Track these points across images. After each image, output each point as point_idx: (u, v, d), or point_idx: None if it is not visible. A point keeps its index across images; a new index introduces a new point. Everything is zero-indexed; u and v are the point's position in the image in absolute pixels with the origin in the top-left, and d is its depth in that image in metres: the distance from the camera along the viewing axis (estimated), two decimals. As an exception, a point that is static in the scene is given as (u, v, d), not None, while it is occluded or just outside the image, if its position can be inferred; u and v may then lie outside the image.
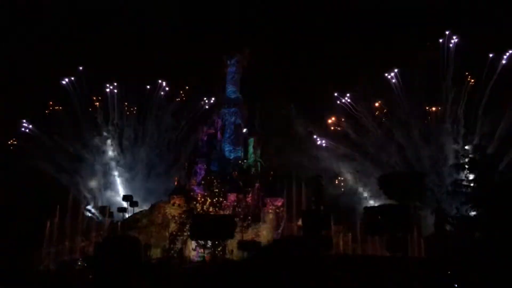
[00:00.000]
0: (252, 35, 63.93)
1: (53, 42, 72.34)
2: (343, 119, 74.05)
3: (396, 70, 69.17)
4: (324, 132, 75.35)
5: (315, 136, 72.00)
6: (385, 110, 72.05)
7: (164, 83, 74.14)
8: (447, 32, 65.50)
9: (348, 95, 73.19)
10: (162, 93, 74.30)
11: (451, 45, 65.36)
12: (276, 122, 68.87)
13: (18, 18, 73.11)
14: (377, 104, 72.65)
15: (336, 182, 71.44)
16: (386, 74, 69.37)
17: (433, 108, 68.33)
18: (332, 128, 75.40)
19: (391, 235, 40.54)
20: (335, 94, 73.18)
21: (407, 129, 68.41)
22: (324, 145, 71.92)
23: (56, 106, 71.42)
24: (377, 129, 71.72)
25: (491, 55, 62.43)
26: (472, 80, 64.62)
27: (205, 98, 71.68)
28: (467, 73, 64.90)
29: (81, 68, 70.98)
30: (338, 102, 73.46)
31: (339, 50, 72.19)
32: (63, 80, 70.64)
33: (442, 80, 66.26)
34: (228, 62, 58.96)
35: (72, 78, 71.03)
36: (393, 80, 69.31)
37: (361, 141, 71.80)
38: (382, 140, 71.16)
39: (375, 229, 42.19)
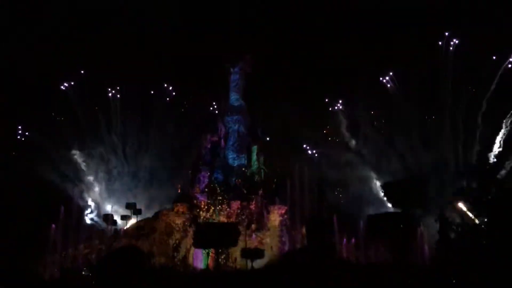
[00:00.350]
0: (252, 35, 63.09)
1: (54, 43, 71.71)
2: (341, 128, 73.84)
3: (391, 74, 69.13)
4: (325, 138, 75.18)
5: (304, 145, 71.41)
6: (383, 120, 71.86)
7: (170, 87, 73.82)
8: (446, 34, 65.51)
9: (340, 101, 73.11)
10: (167, 99, 74.00)
11: (450, 48, 65.41)
12: (277, 129, 68.76)
13: (18, 19, 72.52)
14: (373, 112, 72.43)
15: (337, 191, 71.12)
16: (381, 78, 69.42)
17: (433, 116, 68.20)
18: (330, 138, 75.13)
19: (394, 242, 40.41)
20: (326, 100, 73.05)
21: (407, 136, 68.29)
22: (316, 155, 71.39)
23: (58, 113, 70.85)
24: (377, 136, 71.56)
25: (493, 58, 62.18)
26: (474, 90, 64.43)
27: (214, 103, 71.05)
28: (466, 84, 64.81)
29: (82, 72, 70.72)
30: (330, 109, 73.52)
31: (338, 53, 71.81)
32: (63, 85, 70.29)
33: (441, 85, 66.25)
34: (232, 70, 58.71)
35: (72, 83, 70.88)
36: (389, 85, 69.35)
37: (361, 148, 71.64)
38: (382, 147, 70.99)
39: (378, 236, 42.04)
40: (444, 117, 65.84)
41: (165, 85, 73.29)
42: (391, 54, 67.66)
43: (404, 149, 68.30)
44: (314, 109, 73.56)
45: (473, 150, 63.47)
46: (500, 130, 62.31)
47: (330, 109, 73.76)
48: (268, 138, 59.01)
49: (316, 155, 71.08)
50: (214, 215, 51.13)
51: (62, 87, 69.93)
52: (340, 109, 73.52)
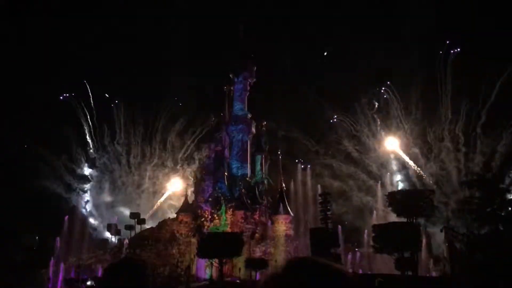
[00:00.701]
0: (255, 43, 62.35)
1: (58, 52, 71.41)
2: (342, 139, 73.15)
3: (388, 83, 68.66)
4: (326, 149, 74.49)
5: (296, 160, 70.42)
6: (383, 132, 71.26)
7: (176, 98, 73.52)
8: (447, 42, 65.07)
9: (335, 116, 72.49)
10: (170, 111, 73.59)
11: (451, 55, 64.99)
12: (280, 140, 68.28)
13: (22, 27, 72.23)
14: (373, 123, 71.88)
15: (340, 201, 70.24)
16: (378, 88, 68.97)
17: (432, 128, 67.61)
18: (330, 151, 74.35)
19: (400, 253, 39.37)
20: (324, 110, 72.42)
21: (408, 147, 67.67)
22: (310, 169, 70.37)
23: (62, 123, 70.31)
24: (376, 147, 70.97)
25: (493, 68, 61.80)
26: (473, 100, 63.87)
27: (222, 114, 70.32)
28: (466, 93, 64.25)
29: (85, 81, 70.45)
30: (331, 121, 72.97)
31: (338, 63, 71.33)
32: (65, 97, 69.97)
33: (440, 94, 65.87)
34: (235, 79, 58.06)
35: (73, 94, 70.56)
36: (385, 96, 68.89)
37: (363, 160, 71.00)
38: (383, 158, 70.36)
39: (384, 247, 40.99)
40: (444, 127, 65.37)
41: (176, 98, 72.75)
42: (390, 64, 67.35)
43: (405, 159, 67.78)
44: (315, 121, 73.11)
45: (474, 161, 62.85)
46: (501, 140, 61.71)
47: (331, 121, 73.38)
48: (279, 152, 58.07)
49: (309, 167, 69.87)
50: (218, 225, 50.27)
51: (61, 97, 69.51)
52: (341, 120, 73.00)
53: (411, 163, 64.42)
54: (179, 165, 72.57)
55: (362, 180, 70.35)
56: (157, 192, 70.04)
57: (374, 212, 62.07)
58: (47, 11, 70.61)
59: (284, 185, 54.27)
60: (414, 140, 68.34)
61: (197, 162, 67.72)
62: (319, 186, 58.66)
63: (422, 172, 64.87)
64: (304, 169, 63.98)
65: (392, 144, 66.90)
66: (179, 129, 73.98)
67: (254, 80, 58.70)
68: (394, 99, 69.36)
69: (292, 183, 57.55)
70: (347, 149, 72.64)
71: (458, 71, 63.78)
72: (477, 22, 64.99)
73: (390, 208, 44.63)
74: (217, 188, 52.35)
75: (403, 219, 42.80)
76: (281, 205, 51.93)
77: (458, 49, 64.36)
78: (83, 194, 68.59)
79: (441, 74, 66.36)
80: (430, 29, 67.96)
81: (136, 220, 57.59)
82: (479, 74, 61.24)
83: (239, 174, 54.50)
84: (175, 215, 53.79)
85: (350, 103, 71.80)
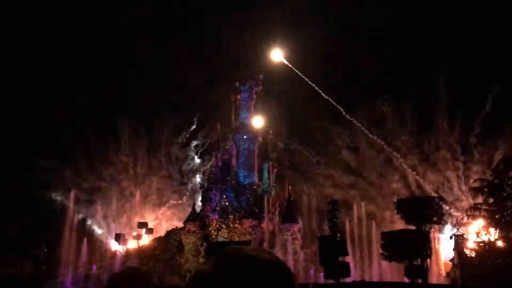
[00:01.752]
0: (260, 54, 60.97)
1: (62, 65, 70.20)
2: (341, 149, 71.73)
3: (386, 95, 67.75)
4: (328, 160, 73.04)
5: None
6: (383, 142, 69.99)
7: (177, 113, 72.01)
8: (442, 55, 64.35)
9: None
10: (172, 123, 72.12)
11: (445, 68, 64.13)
12: (281, 151, 67.07)
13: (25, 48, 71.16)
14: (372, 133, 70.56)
15: (344, 210, 68.76)
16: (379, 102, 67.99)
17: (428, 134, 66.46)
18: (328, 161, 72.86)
19: (410, 261, 37.89)
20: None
21: (405, 156, 66.59)
22: (312, 179, 68.83)
23: (66, 135, 68.55)
24: (376, 156, 69.80)
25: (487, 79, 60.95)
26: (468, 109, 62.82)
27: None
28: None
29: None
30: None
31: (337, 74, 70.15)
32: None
33: (436, 107, 64.99)
34: (241, 88, 56.80)
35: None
36: (384, 108, 67.87)
37: (362, 169, 69.71)
38: (382, 167, 69.17)
39: (393, 254, 39.48)
40: (440, 137, 64.43)
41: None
42: (389, 75, 66.43)
43: (404, 168, 66.63)
44: (314, 131, 71.76)
45: (473, 169, 61.69)
46: (498, 149, 60.54)
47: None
48: (288, 163, 56.81)
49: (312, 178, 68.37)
50: (226, 234, 48.80)
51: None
52: (339, 131, 71.76)
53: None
54: (185, 178, 71.38)
55: (363, 189, 68.96)
56: (163, 204, 68.55)
57: (378, 220, 60.54)
58: (47, 11, 69.32)
59: (292, 193, 52.95)
60: (410, 150, 67.25)
61: (201, 173, 66.47)
62: (324, 195, 57.46)
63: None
64: (307, 180, 62.85)
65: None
66: (182, 141, 72.74)
67: (261, 88, 57.59)
68: (390, 112, 68.38)
69: (295, 193, 56.07)
70: (347, 159, 71.37)
71: (453, 83, 63.05)
72: (472, 31, 64.43)
73: (399, 216, 43.18)
74: (224, 197, 50.98)
75: (412, 227, 41.35)
76: (288, 213, 50.54)
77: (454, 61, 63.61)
78: (90, 204, 66.97)
79: (436, 86, 65.59)
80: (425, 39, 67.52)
81: (144, 229, 56.12)
82: (473, 85, 60.50)
83: (246, 182, 53.05)
84: (183, 224, 52.26)
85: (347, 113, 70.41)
